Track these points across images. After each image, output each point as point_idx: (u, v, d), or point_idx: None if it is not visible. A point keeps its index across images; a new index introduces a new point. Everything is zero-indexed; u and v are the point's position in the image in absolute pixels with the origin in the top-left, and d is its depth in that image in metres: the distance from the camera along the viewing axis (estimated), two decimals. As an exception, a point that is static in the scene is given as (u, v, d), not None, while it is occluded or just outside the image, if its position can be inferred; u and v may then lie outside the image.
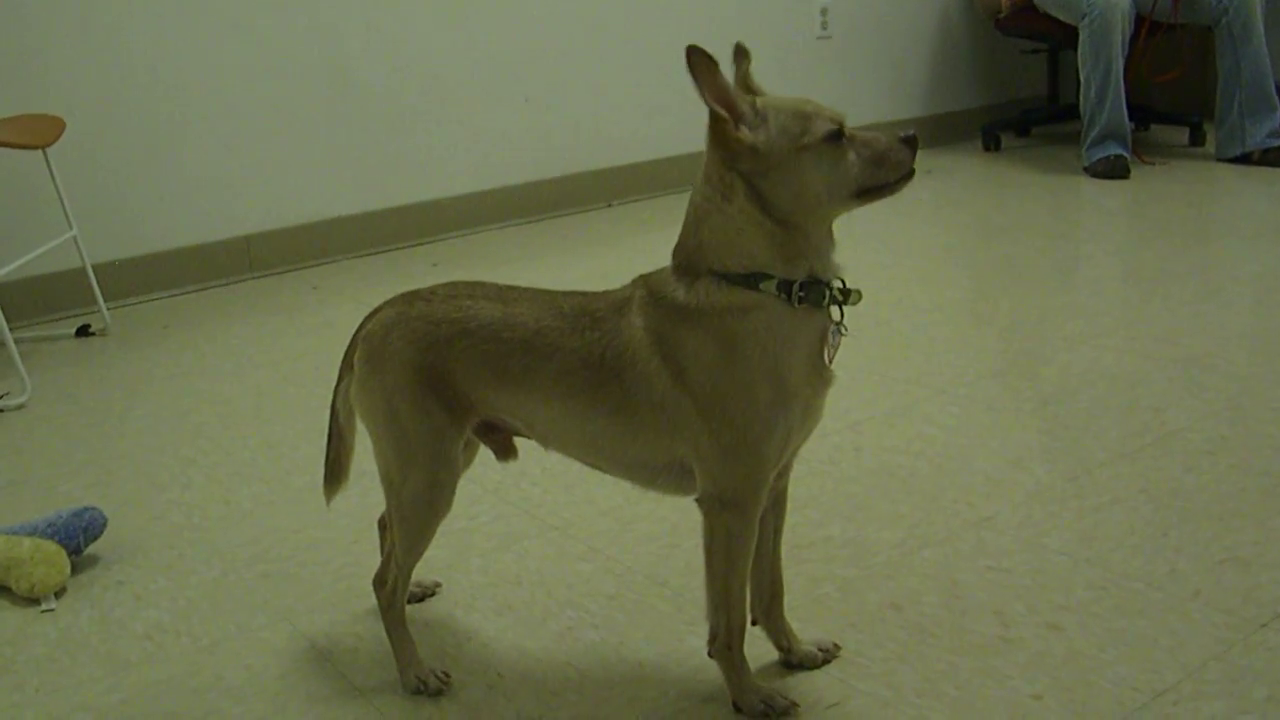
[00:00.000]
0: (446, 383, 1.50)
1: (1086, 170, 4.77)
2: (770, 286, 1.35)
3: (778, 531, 1.56)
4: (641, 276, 1.47)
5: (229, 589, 1.96)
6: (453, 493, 1.56)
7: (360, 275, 4.13)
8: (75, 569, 2.05)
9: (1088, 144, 4.79)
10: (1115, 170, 4.64)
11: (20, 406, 2.97)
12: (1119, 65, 4.66)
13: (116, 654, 1.78)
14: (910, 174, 1.36)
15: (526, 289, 1.56)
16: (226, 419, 2.80)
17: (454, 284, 1.57)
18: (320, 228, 4.28)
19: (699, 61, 1.31)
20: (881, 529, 1.96)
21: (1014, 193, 4.76)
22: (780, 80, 5.19)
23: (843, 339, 1.43)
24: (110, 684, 1.70)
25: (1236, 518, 1.89)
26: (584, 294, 1.51)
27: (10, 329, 3.08)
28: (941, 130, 5.82)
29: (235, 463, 2.51)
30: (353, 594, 1.89)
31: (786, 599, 1.63)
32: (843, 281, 1.41)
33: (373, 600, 1.68)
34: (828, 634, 1.64)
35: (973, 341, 2.97)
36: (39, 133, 3.26)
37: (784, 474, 1.53)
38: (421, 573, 1.91)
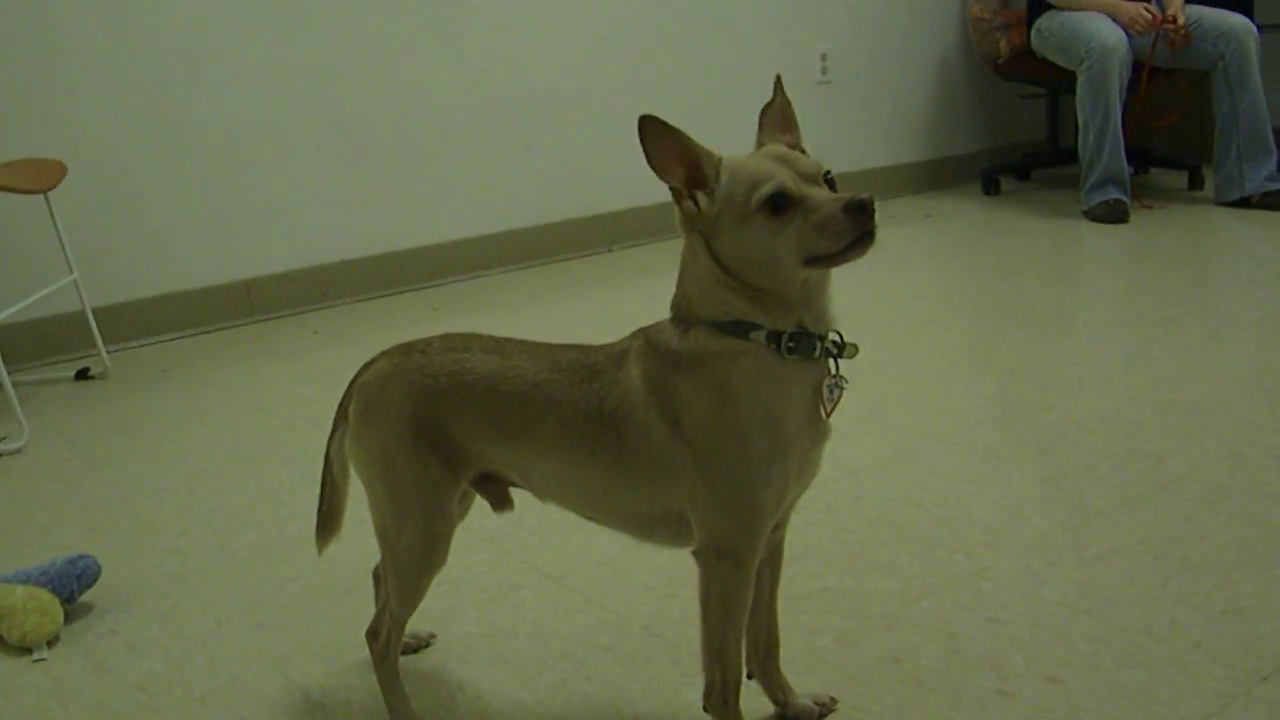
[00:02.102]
0: (443, 435, 1.49)
1: (1085, 214, 4.78)
2: (760, 336, 1.34)
3: (774, 583, 1.55)
4: (641, 329, 1.47)
5: (223, 639, 1.95)
6: (448, 545, 1.55)
7: (361, 320, 4.13)
8: (69, 617, 2.04)
9: (1086, 188, 4.81)
10: (1114, 214, 4.66)
11: (18, 451, 2.97)
12: (1117, 110, 4.69)
13: (109, 705, 1.77)
14: (864, 239, 1.26)
15: (523, 341, 1.56)
16: (224, 465, 2.79)
17: (450, 335, 1.57)
18: (320, 272, 4.29)
19: (651, 130, 1.31)
20: (880, 579, 1.95)
21: (1013, 237, 4.77)
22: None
23: (842, 393, 1.41)
24: (100, 737, 1.69)
25: (1237, 567, 1.88)
26: (582, 347, 1.51)
27: (10, 372, 3.08)
28: (941, 174, 5.85)
29: (232, 509, 2.50)
30: (347, 645, 1.87)
31: (783, 651, 1.62)
32: (839, 335, 1.40)
33: (367, 651, 1.66)
34: (824, 687, 1.62)
35: (972, 388, 2.96)
36: (41, 177, 3.28)
37: (781, 526, 1.52)
38: (417, 623, 1.89)
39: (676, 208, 1.37)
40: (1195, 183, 5.17)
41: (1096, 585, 1.86)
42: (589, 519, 1.55)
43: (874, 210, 1.26)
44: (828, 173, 1.33)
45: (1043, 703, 1.56)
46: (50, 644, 1.96)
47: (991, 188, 5.55)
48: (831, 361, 1.39)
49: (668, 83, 5.00)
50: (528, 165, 4.72)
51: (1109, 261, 4.35)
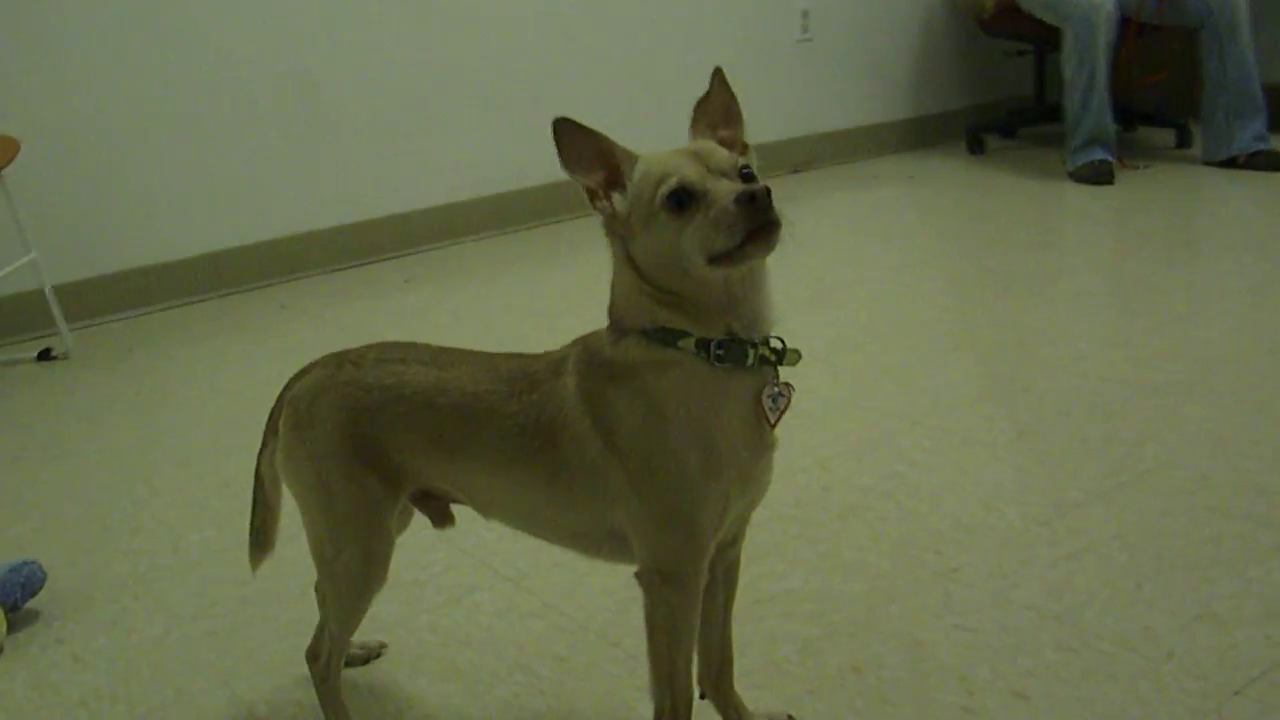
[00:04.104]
0: (379, 452, 1.42)
1: (1070, 175, 4.69)
2: (689, 345, 1.26)
3: (729, 601, 1.49)
4: (582, 336, 1.40)
5: (171, 648, 1.89)
6: (388, 565, 1.49)
7: (330, 291, 4.05)
8: (14, 625, 1.98)
9: (1072, 149, 4.72)
10: (1099, 175, 4.57)
11: (-27, 440, 2.89)
12: (1103, 68, 4.59)
13: (48, 724, 1.71)
14: (763, 233, 1.18)
15: (463, 351, 1.48)
16: (183, 454, 2.72)
17: (385, 345, 1.49)
18: (289, 243, 4.20)
19: (564, 131, 1.26)
20: (846, 581, 1.89)
21: (996, 199, 4.68)
22: (761, 85, 5.14)
23: (789, 401, 1.33)
24: (37, 760, 1.63)
25: (1214, 566, 1.83)
26: (523, 355, 1.44)
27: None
28: (925, 133, 5.75)
29: (188, 504, 2.43)
30: (296, 655, 1.79)
31: (742, 662, 1.56)
32: (781, 341, 1.31)
33: (313, 666, 1.61)
34: (783, 702, 1.57)
35: (948, 366, 2.89)
36: (-9, 156, 3.18)
37: (735, 543, 1.46)
38: (370, 631, 1.84)
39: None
40: (1183, 141, 5.07)
41: (1069, 587, 1.80)
42: (534, 536, 1.49)
43: (767, 200, 1.18)
44: (745, 167, 1.25)
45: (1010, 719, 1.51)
46: (-8, 655, 1.90)
47: (976, 147, 5.45)
48: (774, 369, 1.31)
49: (645, 41, 4.88)
50: (502, 128, 4.60)
51: (1093, 225, 4.27)
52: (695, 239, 1.20)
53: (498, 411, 1.37)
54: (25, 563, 2.02)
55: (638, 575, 1.36)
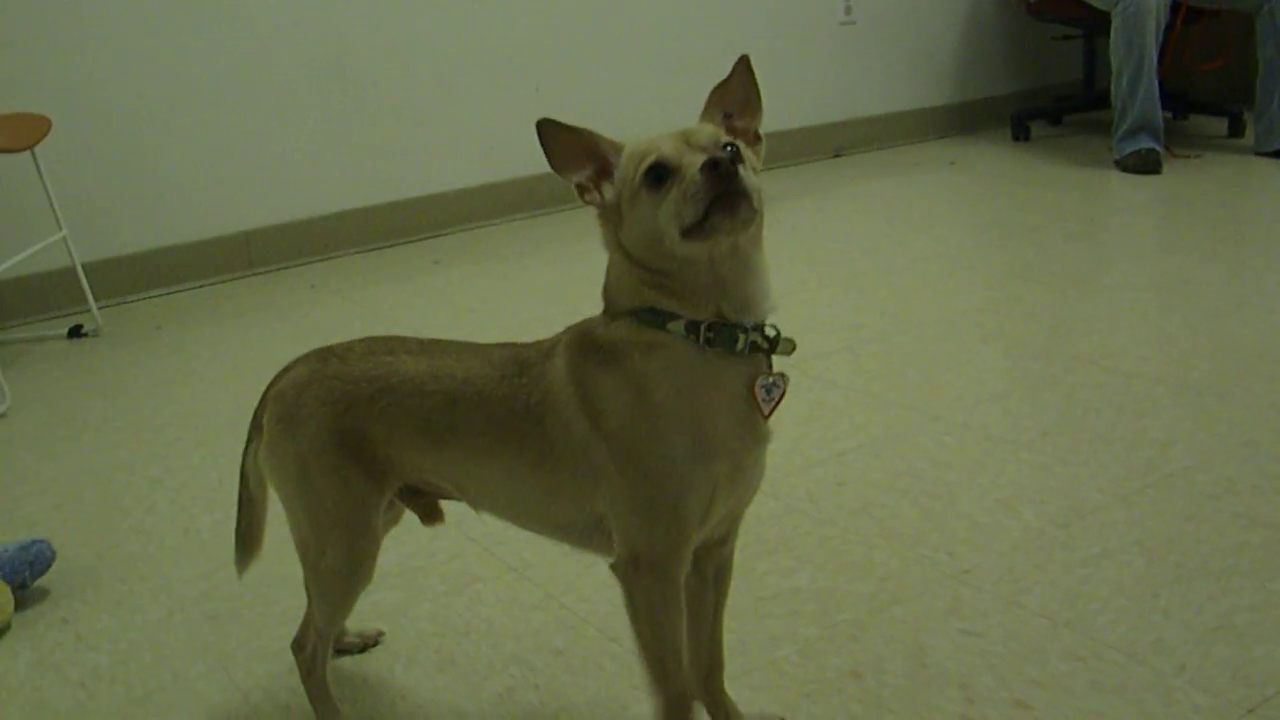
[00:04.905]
0: (366, 446, 1.40)
1: (1117, 164, 4.58)
2: (678, 327, 1.24)
3: (719, 603, 1.45)
4: (575, 324, 1.37)
5: (173, 630, 1.89)
6: (374, 563, 1.47)
7: (360, 271, 4.05)
8: (23, 603, 1.99)
9: (1118, 136, 4.61)
10: (1146, 164, 4.46)
11: (1, 416, 2.92)
12: (1152, 55, 4.47)
13: (47, 705, 1.72)
14: (723, 202, 1.15)
15: (453, 342, 1.46)
16: (201, 434, 2.73)
17: (372, 339, 1.47)
18: (319, 223, 4.20)
19: (548, 133, 1.25)
20: (853, 580, 1.85)
21: (1039, 188, 4.58)
22: (803, 68, 5.07)
23: (784, 393, 1.29)
24: (32, 741, 1.64)
25: (1236, 576, 1.76)
26: (516, 344, 1.41)
27: (2, 329, 3.02)
28: (969, 118, 5.65)
29: (201, 484, 2.44)
30: (295, 641, 1.81)
31: (741, 661, 1.53)
32: (775, 329, 1.27)
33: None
34: (779, 705, 1.54)
35: (977, 359, 2.83)
36: (22, 134, 3.20)
37: (726, 541, 1.42)
38: (370, 618, 1.84)
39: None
40: (1236, 130, 4.93)
41: (1082, 594, 1.75)
42: (523, 528, 1.47)
43: (730, 168, 1.15)
44: (730, 145, 1.22)
45: (1009, 731, 1.47)
46: (0, 634, 1.91)
47: (1021, 133, 5.34)
48: (768, 358, 1.28)
49: (683, 23, 4.82)
50: (536, 109, 4.55)
51: (1136, 216, 4.16)
52: (669, 212, 1.19)
53: (487, 396, 1.35)
54: (34, 541, 2.03)
55: (613, 566, 1.33)
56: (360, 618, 1.84)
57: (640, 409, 1.26)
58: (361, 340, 1.47)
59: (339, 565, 1.44)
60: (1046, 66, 5.85)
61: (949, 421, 2.42)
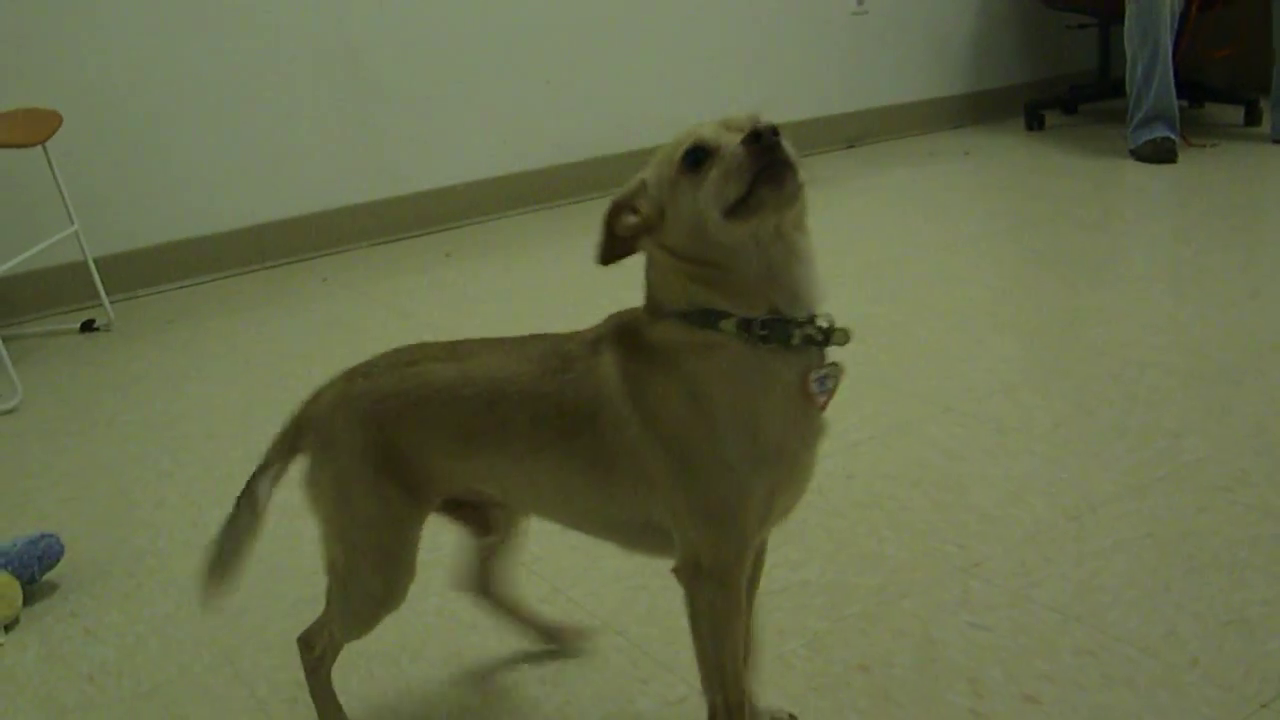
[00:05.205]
0: (402, 462, 1.35)
1: (1131, 153, 4.55)
2: (730, 325, 1.19)
3: (753, 588, 1.41)
4: (615, 313, 1.33)
5: (180, 624, 1.89)
6: (407, 589, 1.43)
7: (372, 265, 4.05)
8: (32, 596, 2.00)
9: (1133, 125, 4.57)
10: (1161, 154, 4.42)
11: (12, 410, 2.93)
12: (1167, 43, 4.43)
13: (54, 699, 1.72)
14: (769, 174, 1.11)
15: (480, 340, 1.41)
16: (212, 428, 2.73)
17: (396, 351, 1.43)
18: (331, 217, 4.20)
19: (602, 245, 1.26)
20: (862, 573, 1.83)
21: (1053, 177, 4.55)
22: (815, 57, 5.04)
23: (838, 383, 1.24)
24: (39, 734, 1.64)
25: (1248, 569, 1.74)
26: (550, 335, 1.37)
27: (15, 324, 3.05)
28: (983, 108, 5.61)
29: (212, 478, 2.44)
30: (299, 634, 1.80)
31: (750, 656, 1.51)
32: (829, 319, 1.23)
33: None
34: (786, 699, 1.53)
35: (989, 350, 2.81)
36: (33, 129, 3.21)
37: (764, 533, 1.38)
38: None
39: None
40: (1252, 118, 4.89)
41: (1093, 586, 1.73)
42: (575, 529, 1.43)
43: (773, 139, 1.10)
44: (772, 128, 1.14)
45: (1017, 725, 1.45)
46: (8, 628, 1.91)
47: (1035, 123, 5.31)
48: (820, 350, 1.23)
49: (694, 11, 4.80)
50: (546, 101, 4.57)
51: (1151, 206, 4.13)
52: (709, 193, 1.14)
53: (530, 394, 1.31)
54: (44, 536, 2.03)
55: (675, 570, 1.29)
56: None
57: (696, 414, 1.21)
58: (385, 354, 1.43)
59: (373, 589, 1.41)
60: (1061, 55, 5.80)
61: (960, 412, 2.41)
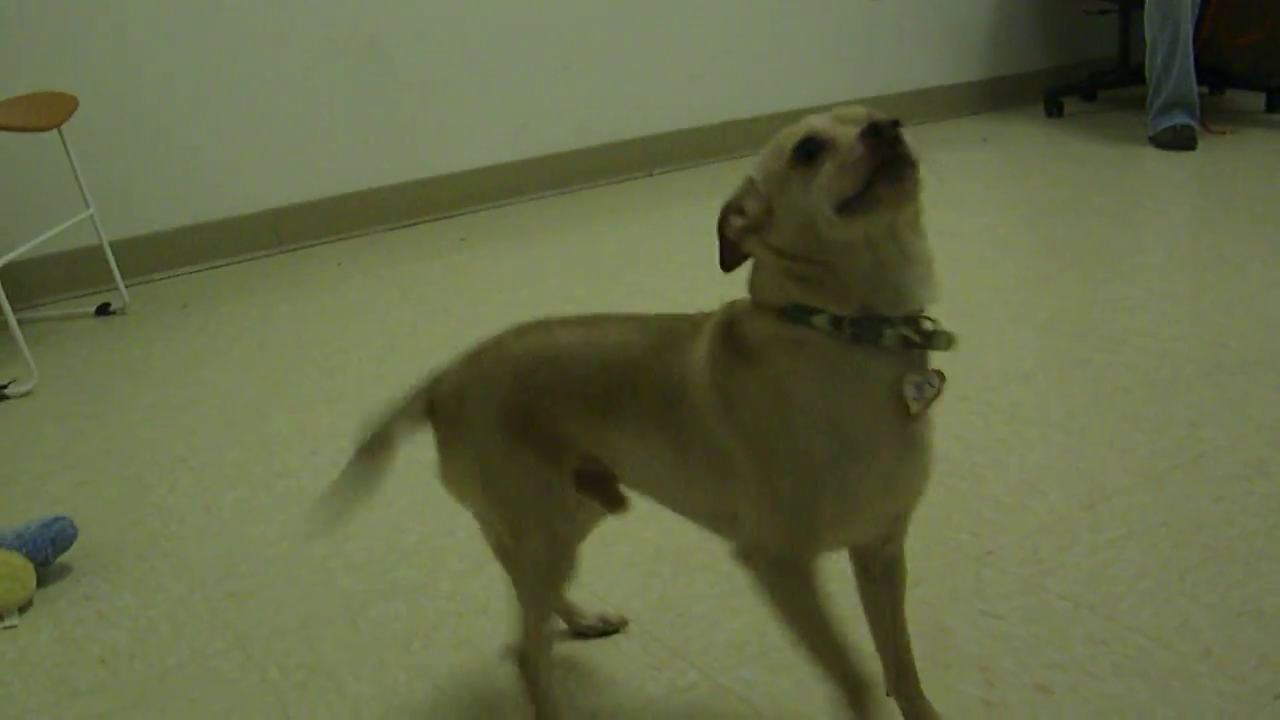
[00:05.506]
0: (534, 424, 1.34)
1: (1151, 140, 4.51)
2: (822, 321, 1.15)
3: (896, 604, 1.38)
4: (730, 301, 1.30)
5: (193, 608, 1.90)
6: (575, 548, 1.41)
7: (387, 249, 4.05)
8: (46, 579, 2.01)
9: (1153, 112, 4.52)
10: (1181, 141, 4.38)
11: (27, 394, 2.94)
12: (1188, 28, 4.38)
13: (67, 681, 1.73)
14: (891, 170, 1.07)
15: (607, 314, 1.40)
16: (226, 412, 2.74)
17: (519, 325, 1.42)
18: (347, 201, 4.21)
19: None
20: (874, 561, 1.82)
21: (1071, 165, 4.51)
22: (831, 43, 5.01)
23: (938, 393, 1.20)
24: (52, 716, 1.65)
25: (1264, 560, 1.73)
26: (676, 315, 1.35)
27: (31, 307, 3.06)
28: (1002, 94, 5.57)
29: (225, 463, 2.44)
30: (314, 617, 1.81)
31: (761, 643, 1.51)
32: (933, 321, 1.18)
33: (331, 627, 1.60)
34: (798, 687, 1.53)
35: (1006, 339, 2.79)
36: (49, 113, 3.21)
37: (892, 540, 1.34)
38: (390, 595, 1.84)
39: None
40: (1274, 106, 4.84)
41: (1106, 576, 1.72)
42: (674, 511, 1.40)
43: (892, 132, 1.06)
44: (893, 120, 1.09)
45: (1028, 715, 1.44)
46: (22, 610, 1.93)
47: (1054, 109, 5.26)
48: (922, 353, 1.19)
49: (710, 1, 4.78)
50: (564, 86, 4.56)
51: (1171, 193, 4.10)
52: (823, 188, 1.10)
53: (636, 365, 1.30)
54: (57, 519, 2.04)
55: (735, 555, 1.26)
56: (382, 595, 1.85)
57: (777, 409, 1.18)
58: (512, 327, 1.42)
59: (538, 554, 1.38)
60: (1080, 41, 5.75)
61: (976, 402, 2.39)
